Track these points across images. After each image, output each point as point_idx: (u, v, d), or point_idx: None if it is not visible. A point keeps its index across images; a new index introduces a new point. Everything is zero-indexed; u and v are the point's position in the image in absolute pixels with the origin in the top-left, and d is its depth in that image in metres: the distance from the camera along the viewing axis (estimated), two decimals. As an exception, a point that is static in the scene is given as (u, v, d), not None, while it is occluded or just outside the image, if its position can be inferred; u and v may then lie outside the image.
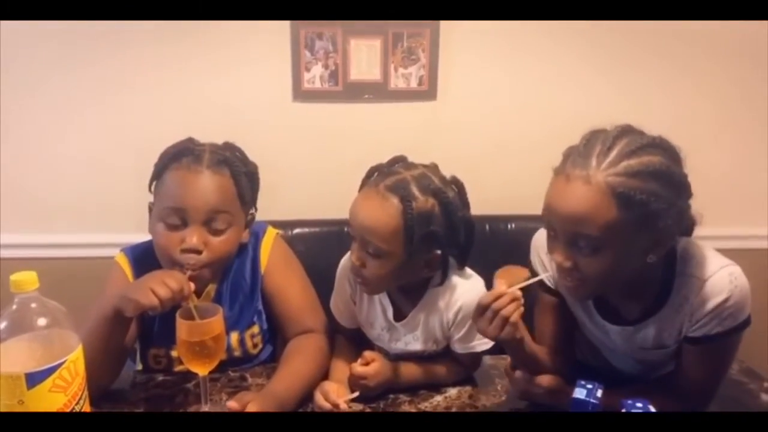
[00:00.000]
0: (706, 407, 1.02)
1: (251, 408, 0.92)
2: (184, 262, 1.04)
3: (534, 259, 1.14)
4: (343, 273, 1.17)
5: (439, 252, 1.03)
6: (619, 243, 0.87)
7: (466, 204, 1.07)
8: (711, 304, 0.94)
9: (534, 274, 1.10)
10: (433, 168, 1.07)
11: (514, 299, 0.91)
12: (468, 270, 1.13)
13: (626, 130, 0.90)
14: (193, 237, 1.04)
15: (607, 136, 0.89)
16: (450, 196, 1.02)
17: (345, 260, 1.17)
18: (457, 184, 1.07)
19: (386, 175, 1.02)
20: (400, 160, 1.07)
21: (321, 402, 1.00)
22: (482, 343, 1.11)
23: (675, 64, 1.76)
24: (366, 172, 1.07)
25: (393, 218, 0.97)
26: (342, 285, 1.18)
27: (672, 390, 1.02)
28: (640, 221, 0.85)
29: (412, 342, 1.14)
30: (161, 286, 0.94)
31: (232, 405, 0.92)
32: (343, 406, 0.99)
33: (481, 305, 0.92)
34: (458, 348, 1.12)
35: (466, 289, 1.08)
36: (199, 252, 1.05)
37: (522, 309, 0.92)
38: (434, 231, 0.99)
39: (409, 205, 0.96)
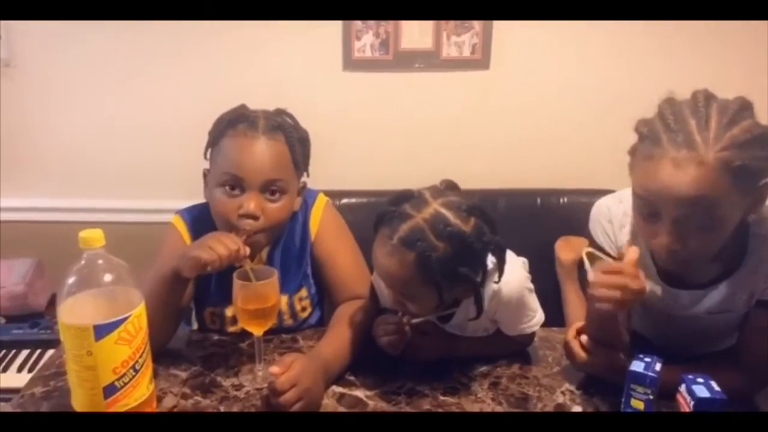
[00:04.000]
0: None
1: (296, 366, 0.94)
2: (242, 227, 1.07)
3: (595, 228, 1.12)
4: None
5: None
6: (734, 213, 0.88)
7: (491, 225, 0.98)
8: None
9: (593, 243, 1.10)
10: (449, 193, 0.98)
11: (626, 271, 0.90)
12: None
13: (709, 96, 0.89)
14: (251, 203, 1.07)
15: (695, 108, 0.88)
16: (468, 232, 0.94)
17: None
18: (478, 210, 0.97)
19: (399, 221, 0.94)
20: (406, 197, 0.98)
21: (382, 327, 1.07)
22: (530, 326, 1.10)
23: (737, 37, 1.67)
24: (376, 215, 0.99)
25: (416, 272, 0.93)
26: (382, 293, 1.14)
27: (734, 364, 0.99)
28: (749, 186, 0.86)
29: (461, 334, 1.13)
30: (219, 244, 0.98)
31: (275, 370, 0.93)
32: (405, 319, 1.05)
33: (596, 282, 0.91)
34: (508, 332, 1.12)
35: (500, 286, 1.04)
36: (256, 218, 1.08)
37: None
38: (460, 272, 0.95)
39: (428, 260, 0.91)
